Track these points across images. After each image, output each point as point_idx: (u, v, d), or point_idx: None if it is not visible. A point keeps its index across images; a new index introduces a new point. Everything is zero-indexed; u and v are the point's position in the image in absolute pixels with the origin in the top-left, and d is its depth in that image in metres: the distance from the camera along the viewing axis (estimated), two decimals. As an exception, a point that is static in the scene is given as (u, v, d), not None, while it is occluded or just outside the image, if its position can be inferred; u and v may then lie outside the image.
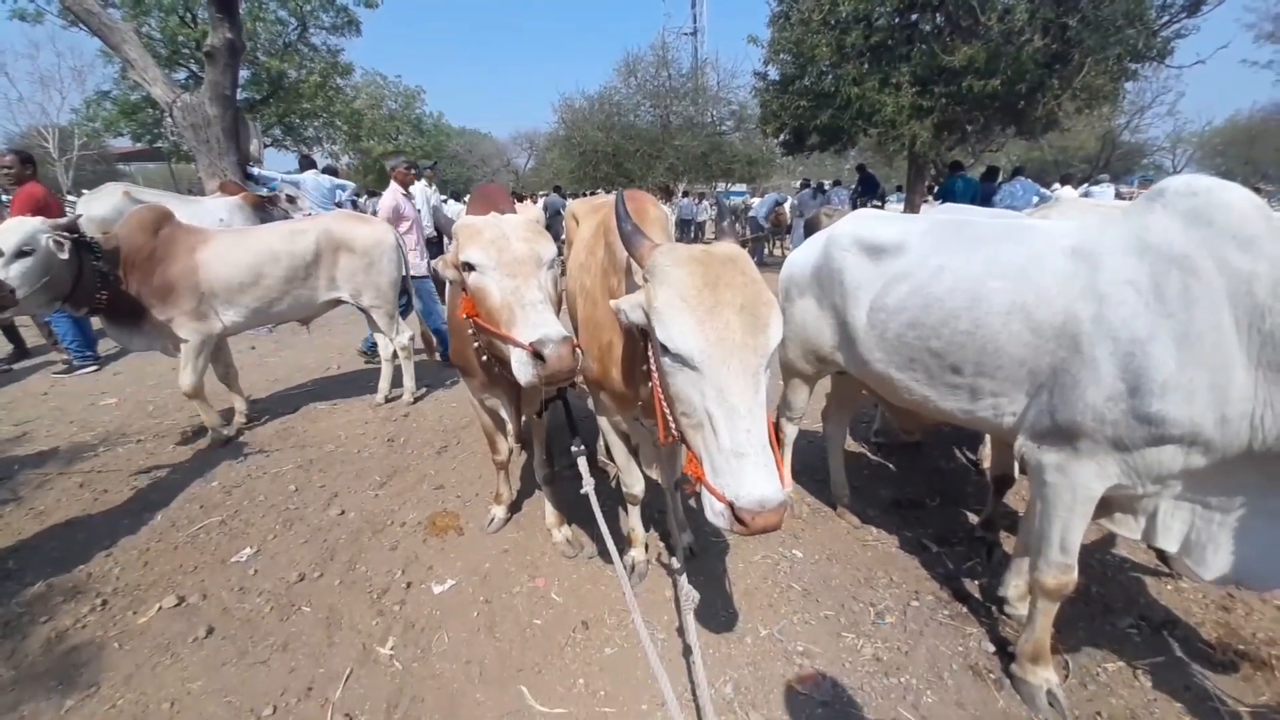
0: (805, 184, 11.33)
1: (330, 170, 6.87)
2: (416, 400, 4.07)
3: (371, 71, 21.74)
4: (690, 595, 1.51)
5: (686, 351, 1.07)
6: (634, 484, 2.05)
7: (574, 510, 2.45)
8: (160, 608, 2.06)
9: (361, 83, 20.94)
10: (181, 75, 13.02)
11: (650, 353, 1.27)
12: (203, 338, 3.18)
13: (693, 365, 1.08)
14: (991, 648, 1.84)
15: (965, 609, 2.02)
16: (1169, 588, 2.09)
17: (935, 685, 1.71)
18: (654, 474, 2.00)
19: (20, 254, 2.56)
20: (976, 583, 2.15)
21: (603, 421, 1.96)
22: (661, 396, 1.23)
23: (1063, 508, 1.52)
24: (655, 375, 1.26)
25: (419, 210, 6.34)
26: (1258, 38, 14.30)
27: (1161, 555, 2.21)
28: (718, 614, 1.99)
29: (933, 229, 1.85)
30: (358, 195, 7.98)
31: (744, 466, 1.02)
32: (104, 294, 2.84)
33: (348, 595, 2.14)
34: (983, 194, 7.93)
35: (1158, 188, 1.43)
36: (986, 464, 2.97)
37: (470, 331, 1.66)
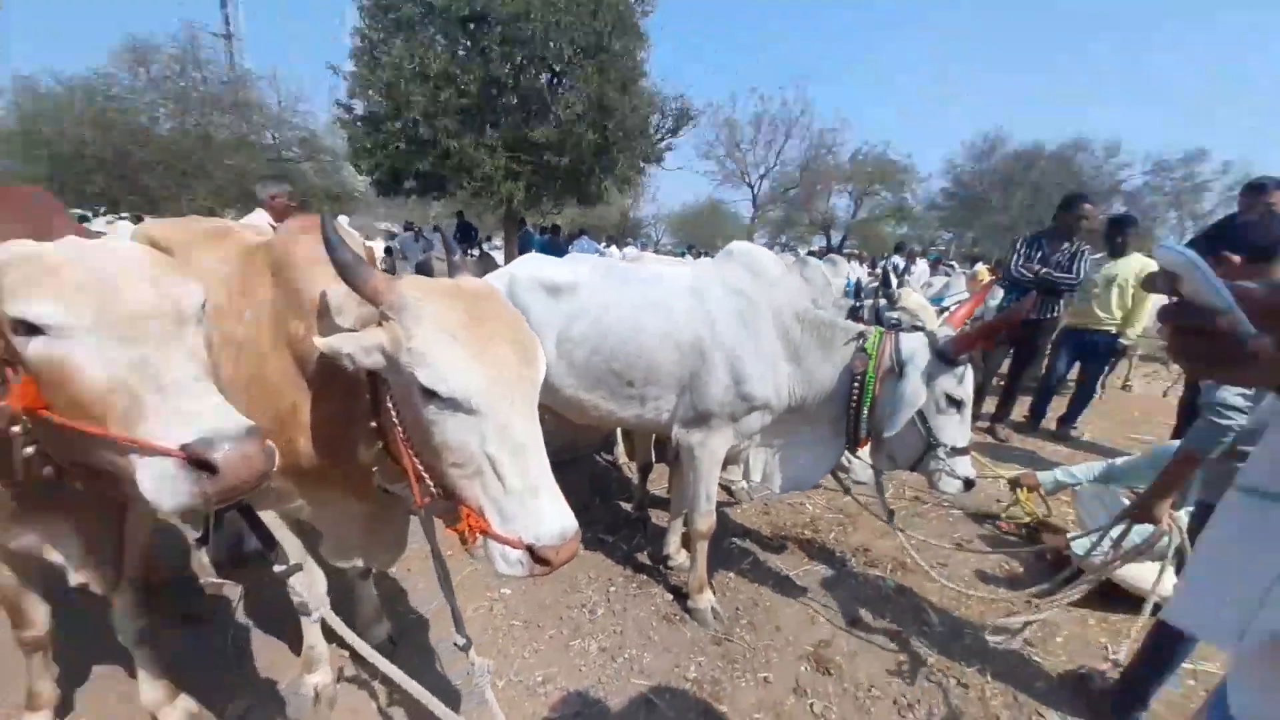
0: (408, 227, 11.12)
1: None
2: None
3: None
4: (484, 666, 1.37)
5: (464, 393, 0.99)
6: (317, 583, 1.66)
7: (179, 671, 1.74)
8: None
9: None
10: None
11: (390, 403, 1.13)
12: None
13: (469, 407, 0.99)
14: (670, 596, 2.37)
15: (645, 576, 2.51)
16: (738, 510, 3.15)
17: (648, 646, 2.09)
18: (348, 563, 1.66)
19: None
20: (646, 553, 2.69)
21: (269, 515, 1.53)
22: (415, 451, 1.10)
23: (705, 470, 2.13)
24: (400, 428, 1.13)
25: None
26: (700, 155, 23.09)
27: (726, 489, 3.32)
28: (450, 688, 1.83)
29: (595, 271, 2.27)
30: None
31: (541, 503, 1.00)
32: None
33: None
34: (554, 246, 9.76)
35: (727, 249, 2.25)
36: (622, 460, 3.72)
37: (16, 430, 1.03)
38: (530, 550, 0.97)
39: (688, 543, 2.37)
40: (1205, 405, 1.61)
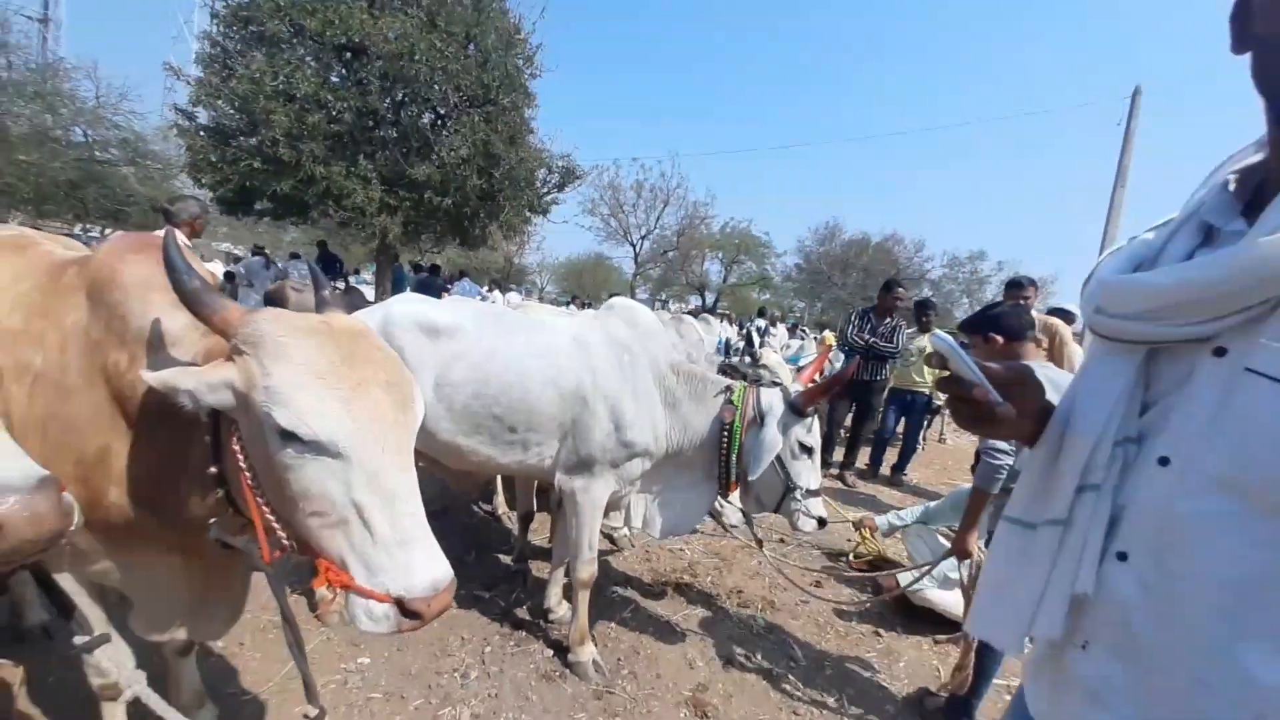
0: (258, 250, 9.91)
1: None
2: None
3: None
4: None
5: (330, 436, 0.91)
6: (125, 661, 1.36)
7: None
8: None
9: None
10: None
11: (236, 446, 1.00)
12: None
13: (335, 452, 0.92)
14: (550, 652, 2.27)
15: (524, 633, 2.38)
16: (620, 558, 3.15)
17: (526, 708, 1.97)
18: (166, 636, 1.39)
19: None
20: (526, 607, 2.56)
21: (66, 579, 1.25)
22: (265, 500, 0.99)
23: (587, 516, 2.13)
24: (247, 475, 1.00)
25: None
26: (584, 212, 23.98)
27: (609, 537, 3.32)
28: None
29: (478, 315, 2.23)
30: None
31: (413, 553, 0.94)
32: None
33: None
34: (431, 285, 9.38)
35: (609, 303, 2.35)
36: (501, 511, 3.54)
37: None
38: (399, 603, 0.91)
39: (569, 593, 2.31)
40: (981, 450, 2.03)
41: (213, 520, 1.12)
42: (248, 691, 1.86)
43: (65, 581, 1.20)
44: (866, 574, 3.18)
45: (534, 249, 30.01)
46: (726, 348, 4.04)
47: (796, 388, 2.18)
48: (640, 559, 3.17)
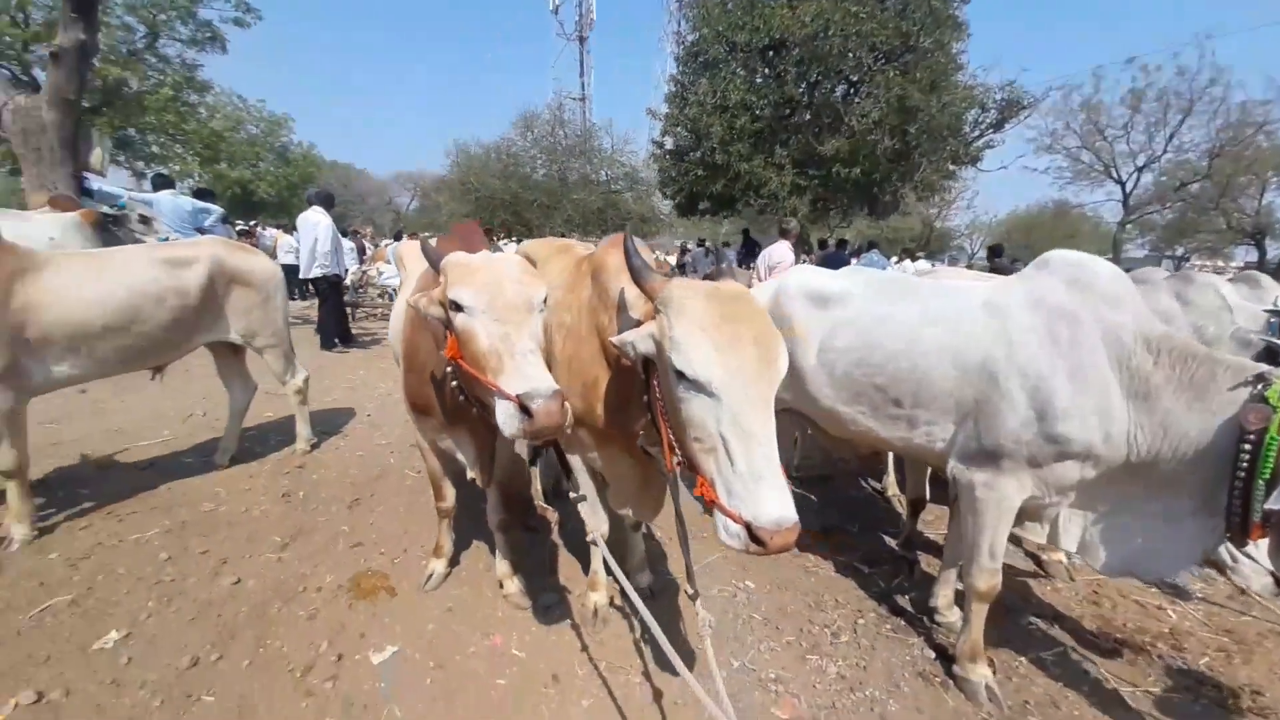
0: (700, 243, 12.30)
1: (204, 193, 6.14)
2: (313, 449, 3.64)
3: (227, 92, 19.78)
4: (707, 620, 1.53)
5: (706, 378, 1.11)
6: (600, 524, 2.03)
7: (521, 559, 2.36)
8: (17, 704, 1.62)
9: (216, 103, 19.02)
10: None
11: (655, 382, 1.31)
12: (12, 403, 2.40)
13: (710, 391, 1.11)
14: (932, 654, 2.05)
15: (903, 621, 2.23)
16: (1049, 588, 2.50)
17: (895, 694, 1.86)
18: (623, 511, 2.00)
19: None
20: (907, 597, 2.39)
21: (574, 459, 1.94)
22: (668, 424, 1.27)
23: (990, 519, 1.79)
24: (660, 403, 1.29)
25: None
26: (1037, 150, 18.64)
27: (1037, 560, 2.67)
28: (688, 654, 1.99)
29: (872, 283, 2.16)
30: (226, 220, 7.13)
31: (760, 489, 1.05)
32: None
33: (262, 677, 1.81)
34: (836, 260, 9.33)
35: (1043, 259, 1.85)
36: (891, 491, 3.35)
37: (449, 370, 1.59)
38: (748, 528, 1.05)
39: (960, 599, 2.02)
40: None
41: (641, 433, 1.55)
42: (667, 572, 2.47)
43: (574, 461, 1.89)
44: None
45: (963, 208, 25.72)
46: (1291, 322, 2.52)
47: None
48: (1084, 599, 2.43)
